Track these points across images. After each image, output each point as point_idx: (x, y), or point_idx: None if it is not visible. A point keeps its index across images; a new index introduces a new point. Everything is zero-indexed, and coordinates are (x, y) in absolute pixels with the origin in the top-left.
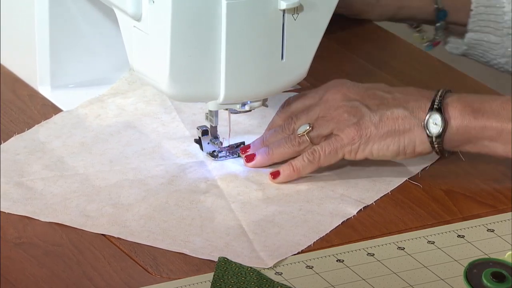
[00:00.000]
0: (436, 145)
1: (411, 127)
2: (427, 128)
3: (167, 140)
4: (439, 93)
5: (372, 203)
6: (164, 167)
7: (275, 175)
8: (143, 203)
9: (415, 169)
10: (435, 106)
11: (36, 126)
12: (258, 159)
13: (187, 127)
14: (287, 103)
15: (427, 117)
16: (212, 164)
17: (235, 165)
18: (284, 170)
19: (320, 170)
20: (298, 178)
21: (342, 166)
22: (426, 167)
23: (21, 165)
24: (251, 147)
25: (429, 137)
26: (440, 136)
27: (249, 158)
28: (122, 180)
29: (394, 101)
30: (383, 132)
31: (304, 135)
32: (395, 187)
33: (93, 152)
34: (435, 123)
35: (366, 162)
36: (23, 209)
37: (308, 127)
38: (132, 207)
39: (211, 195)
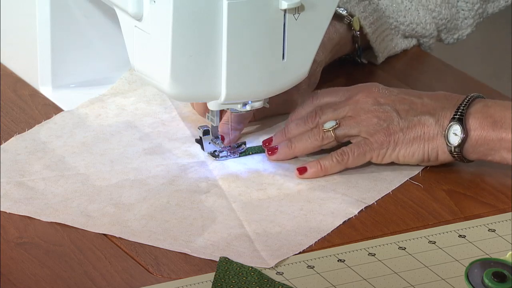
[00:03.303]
0: (456, 155)
1: (435, 135)
2: (447, 138)
3: (167, 140)
4: (465, 101)
5: (374, 203)
6: (165, 167)
7: (301, 171)
8: (144, 203)
9: (416, 169)
10: (457, 115)
11: (37, 126)
12: (280, 152)
13: (187, 126)
14: (314, 97)
15: (448, 126)
16: (213, 164)
17: (236, 165)
18: (311, 167)
19: None
20: (299, 178)
21: None
22: (427, 166)
23: (22, 165)
24: (273, 139)
25: (449, 146)
26: (459, 146)
27: (271, 152)
28: (123, 180)
29: (423, 107)
30: (409, 139)
31: (330, 131)
32: (396, 187)
33: (94, 152)
34: (455, 133)
35: (367, 163)
36: (24, 209)
37: (335, 124)
38: (133, 207)
39: (212, 195)
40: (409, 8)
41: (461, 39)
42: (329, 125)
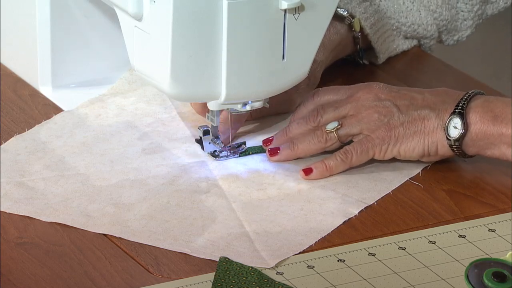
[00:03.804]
0: (456, 149)
1: (435, 128)
2: (447, 131)
3: (167, 140)
4: (466, 96)
5: (374, 203)
6: (165, 167)
7: (307, 172)
8: (144, 203)
9: (416, 168)
10: (458, 109)
11: (37, 126)
12: (282, 154)
13: (187, 126)
14: (316, 95)
15: (448, 120)
16: (213, 164)
17: (236, 165)
18: (317, 168)
19: None
20: (303, 179)
21: None
22: (427, 166)
23: (22, 165)
24: (274, 139)
25: (449, 140)
26: (459, 140)
27: (273, 153)
28: (123, 180)
29: (423, 102)
30: (409, 133)
31: (333, 132)
32: (396, 187)
33: (94, 152)
34: (455, 127)
35: (366, 162)
36: (24, 209)
37: (337, 125)
38: (133, 207)
39: (212, 195)
40: (411, 9)
41: (461, 41)
42: (331, 126)
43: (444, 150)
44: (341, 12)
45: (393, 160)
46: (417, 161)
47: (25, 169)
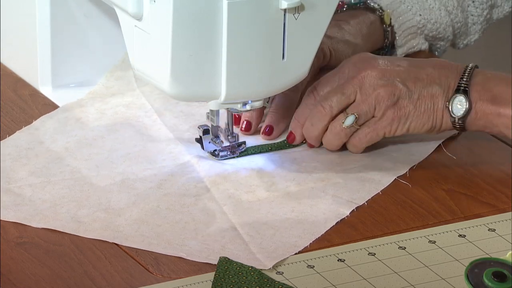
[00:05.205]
0: (458, 126)
1: (443, 105)
2: (451, 108)
3: (151, 144)
4: (467, 71)
5: (364, 203)
6: (152, 171)
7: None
8: (134, 207)
9: (403, 168)
10: (462, 86)
11: (17, 132)
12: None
13: (170, 130)
14: (314, 91)
15: (453, 97)
16: (199, 166)
17: (223, 166)
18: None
19: (308, 170)
20: (282, 181)
21: (332, 167)
22: (413, 166)
23: (7, 172)
24: (293, 132)
25: (452, 117)
26: (463, 117)
27: (310, 144)
28: (110, 184)
29: (428, 78)
30: (420, 111)
31: (353, 126)
32: (385, 186)
33: (78, 157)
34: (459, 104)
35: (355, 163)
36: (13, 216)
37: (354, 119)
38: (123, 211)
39: (202, 198)
40: (433, 7)
41: (470, 45)
42: (349, 121)
43: (447, 125)
44: (373, 4)
45: (380, 160)
46: (404, 161)
47: (11, 176)
